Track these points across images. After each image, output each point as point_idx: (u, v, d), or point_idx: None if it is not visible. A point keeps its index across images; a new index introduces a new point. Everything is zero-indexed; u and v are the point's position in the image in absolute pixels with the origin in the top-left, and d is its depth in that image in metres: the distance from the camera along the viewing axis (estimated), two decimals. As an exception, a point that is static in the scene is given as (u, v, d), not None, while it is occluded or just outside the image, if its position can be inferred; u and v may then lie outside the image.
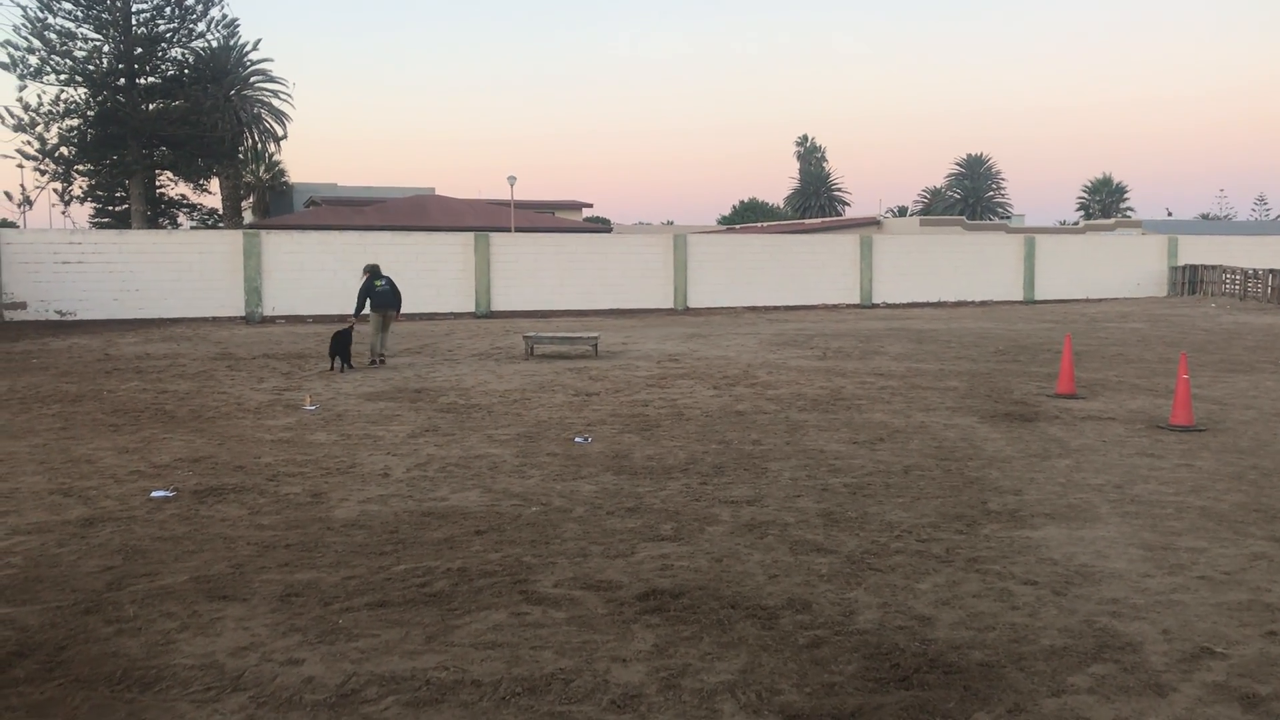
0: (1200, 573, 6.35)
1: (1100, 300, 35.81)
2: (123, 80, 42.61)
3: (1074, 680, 4.79)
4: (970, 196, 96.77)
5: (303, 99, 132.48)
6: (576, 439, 10.66)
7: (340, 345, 16.71)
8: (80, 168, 44.38)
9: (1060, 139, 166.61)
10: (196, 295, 27.79)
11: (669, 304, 31.90)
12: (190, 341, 22.00)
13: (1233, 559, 6.62)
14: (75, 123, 42.71)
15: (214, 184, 51.43)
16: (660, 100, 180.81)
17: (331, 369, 16.71)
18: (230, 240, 28.77)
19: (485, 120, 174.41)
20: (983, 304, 34.79)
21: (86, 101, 42.51)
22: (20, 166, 43.35)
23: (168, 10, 43.05)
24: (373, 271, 17.78)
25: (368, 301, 17.56)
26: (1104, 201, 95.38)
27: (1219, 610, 5.70)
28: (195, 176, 48.09)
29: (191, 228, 49.91)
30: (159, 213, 47.77)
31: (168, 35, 43.56)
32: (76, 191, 45.87)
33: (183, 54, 45.05)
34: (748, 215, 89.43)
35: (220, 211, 52.95)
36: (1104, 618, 5.58)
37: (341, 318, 28.20)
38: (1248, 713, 4.49)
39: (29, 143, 42.04)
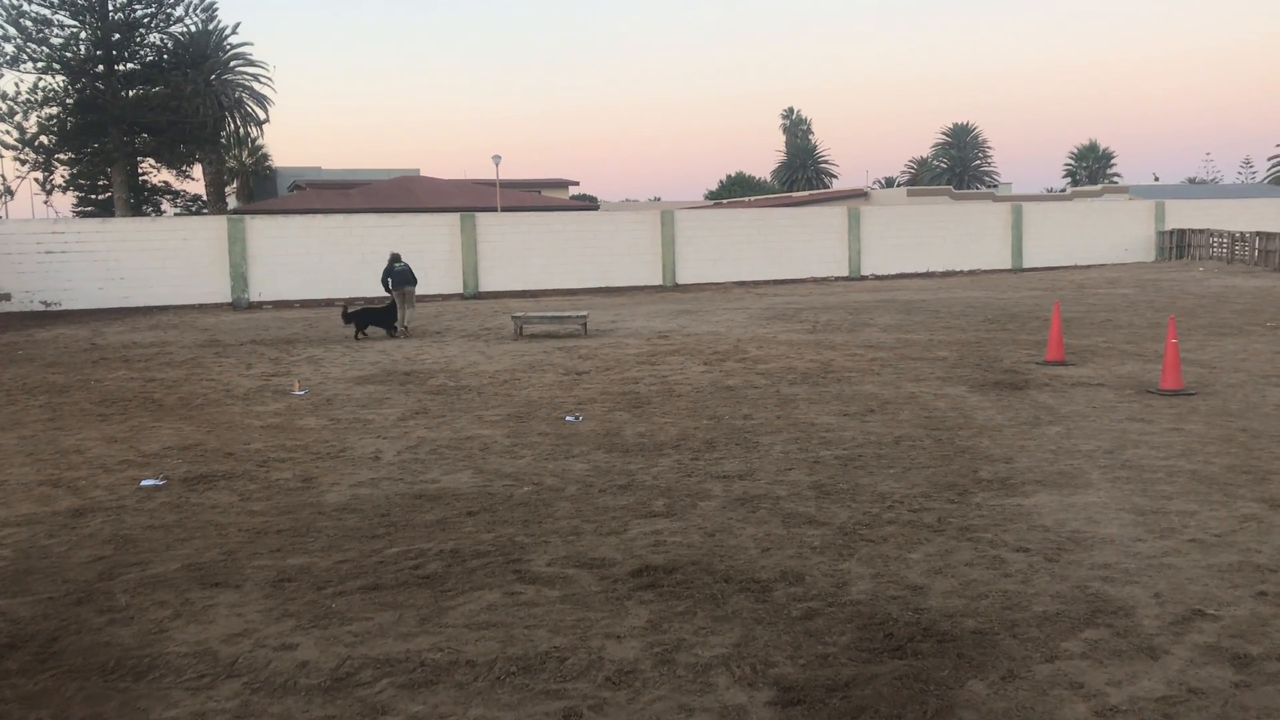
0: (1191, 536, 6.38)
1: (1088, 267, 35.84)
2: (101, 67, 42.23)
3: (1067, 645, 4.81)
4: (957, 166, 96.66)
5: (284, 82, 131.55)
6: (567, 418, 10.65)
7: (364, 317, 19.32)
8: (61, 156, 44.05)
9: (1046, 106, 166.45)
10: (182, 282, 27.62)
11: (657, 281, 31.83)
12: (177, 329, 21.90)
13: (1223, 521, 6.65)
14: (55, 111, 42.35)
15: (197, 170, 51.09)
16: (645, 76, 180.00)
17: (356, 338, 18.86)
18: (215, 226, 28.58)
19: (469, 100, 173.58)
20: (971, 273, 34.80)
21: (65, 89, 42.13)
22: (0, 156, 43.05)
23: (145, -5, 42.64)
24: (393, 256, 20.07)
25: (390, 281, 19.73)
26: (1091, 168, 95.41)
27: (1210, 572, 5.73)
28: (177, 163, 47.74)
29: (175, 214, 49.65)
30: (142, 200, 47.45)
31: (145, 20, 43.16)
32: (58, 180, 45.57)
33: (161, 39, 44.68)
34: (735, 190, 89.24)
35: (204, 197, 52.64)
36: (1096, 583, 5.60)
37: (329, 301, 28.20)
38: (1240, 673, 4.51)
39: (8, 132, 41.71)
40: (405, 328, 19.46)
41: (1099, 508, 7.02)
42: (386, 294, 19.82)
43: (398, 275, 19.63)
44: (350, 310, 19.91)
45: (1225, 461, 8.18)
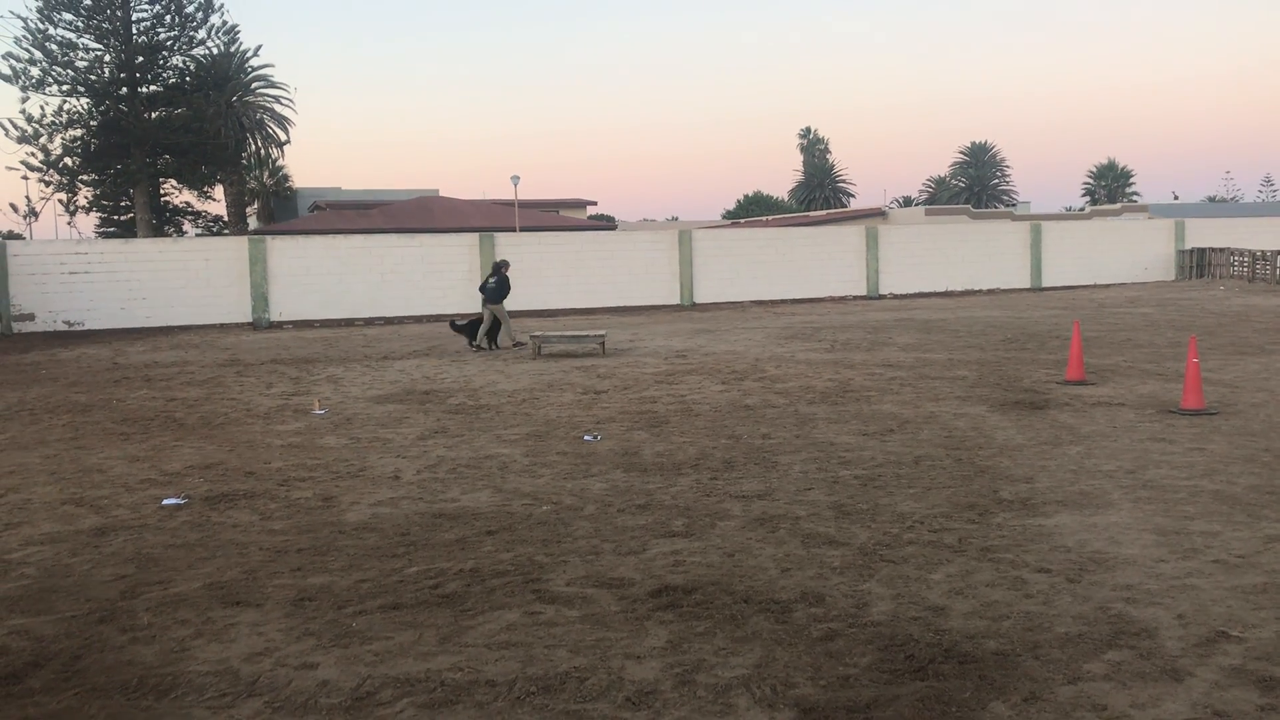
0: (1214, 556, 6.33)
1: (1108, 286, 35.68)
2: (125, 89, 42.71)
3: (1090, 667, 4.78)
4: (975, 185, 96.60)
5: (304, 103, 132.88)
6: (586, 437, 10.66)
7: (472, 329, 20.11)
8: (84, 178, 44.49)
9: (1065, 125, 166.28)
10: (203, 302, 27.85)
11: (675, 300, 31.87)
12: (198, 349, 22.05)
13: (1247, 542, 6.60)
14: (78, 133, 42.81)
15: (218, 191, 51.57)
16: (663, 96, 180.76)
17: (470, 347, 19.93)
18: (236, 247, 28.81)
19: (488, 120, 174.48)
20: (990, 292, 34.70)
21: (89, 111, 42.61)
22: (25, 178, 43.60)
23: (168, 18, 43.16)
24: (494, 265, 20.47)
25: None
26: (1110, 186, 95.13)
27: (1234, 594, 5.68)
28: (199, 184, 48.16)
29: (196, 235, 50.07)
30: (164, 221, 47.91)
31: (168, 43, 43.65)
32: (81, 201, 46.02)
33: (184, 62, 45.14)
34: (752, 209, 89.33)
35: (225, 218, 53.08)
36: (1118, 604, 5.56)
37: (349, 321, 28.39)
38: (1265, 695, 4.47)
39: (33, 154, 42.17)
40: (479, 345, 19.79)
41: (1121, 528, 6.97)
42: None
43: (485, 291, 20.19)
44: (459, 323, 20.93)
45: (1248, 482, 8.12)
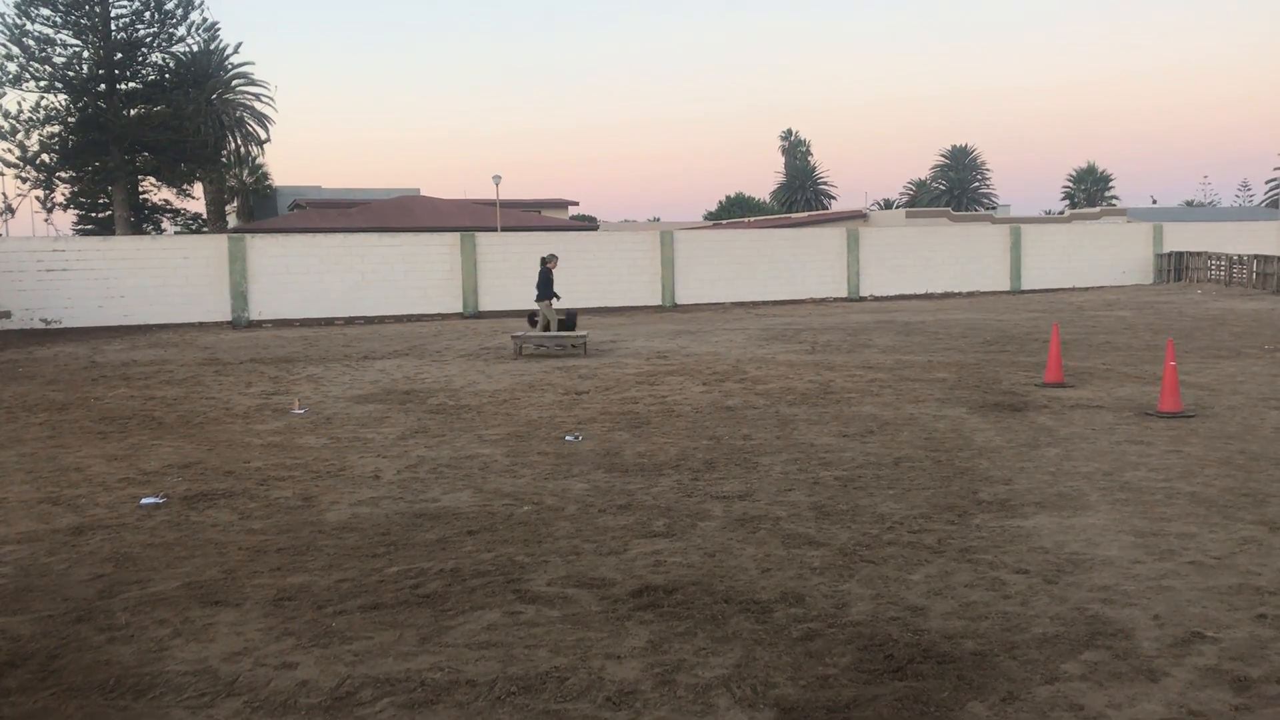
0: (1190, 558, 6.38)
1: (1086, 289, 35.91)
2: (103, 86, 42.40)
3: (1067, 667, 4.81)
4: (956, 188, 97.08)
5: (285, 102, 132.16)
6: (567, 437, 10.66)
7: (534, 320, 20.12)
8: (62, 174, 44.14)
9: (1045, 129, 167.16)
10: (182, 301, 27.66)
11: (657, 301, 31.88)
12: (177, 347, 21.91)
13: (1222, 543, 6.66)
14: (56, 129, 42.49)
15: (197, 189, 51.23)
16: (645, 97, 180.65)
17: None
18: (215, 245, 28.64)
19: (470, 120, 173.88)
20: (970, 295, 34.87)
21: (67, 108, 42.29)
22: (1, 175, 43.13)
23: (147, 15, 42.87)
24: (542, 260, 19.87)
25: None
26: (1089, 190, 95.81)
27: (1209, 595, 5.74)
28: (178, 181, 47.84)
29: (175, 233, 49.76)
30: (143, 218, 47.54)
31: (148, 40, 43.36)
32: (59, 199, 45.62)
33: (163, 58, 44.84)
34: (734, 211, 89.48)
35: (204, 216, 52.79)
36: (1095, 605, 5.61)
37: (329, 320, 28.27)
38: (1239, 695, 4.52)
39: (10, 150, 41.83)
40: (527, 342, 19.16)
41: (1098, 530, 7.03)
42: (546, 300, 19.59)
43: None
44: (535, 318, 20.58)
45: (1224, 484, 8.20)
